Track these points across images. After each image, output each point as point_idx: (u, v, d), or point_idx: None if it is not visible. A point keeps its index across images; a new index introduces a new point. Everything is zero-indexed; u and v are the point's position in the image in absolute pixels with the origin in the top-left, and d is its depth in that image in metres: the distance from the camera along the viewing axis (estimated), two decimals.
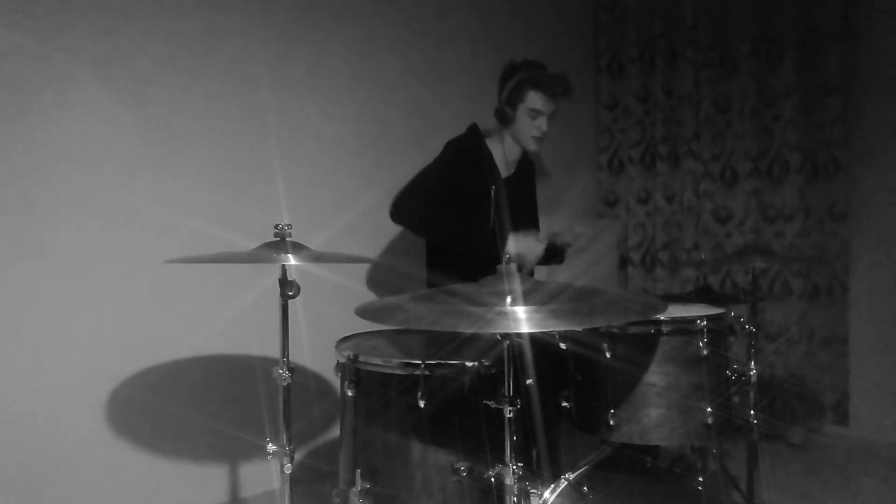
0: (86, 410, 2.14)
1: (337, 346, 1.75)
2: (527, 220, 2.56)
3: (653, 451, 2.52)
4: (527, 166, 2.59)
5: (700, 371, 1.85)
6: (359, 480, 1.60)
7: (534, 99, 2.33)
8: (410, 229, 2.34)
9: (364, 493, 1.59)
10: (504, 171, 2.47)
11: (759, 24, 3.08)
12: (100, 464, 2.16)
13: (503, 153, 2.46)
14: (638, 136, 3.50)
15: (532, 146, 2.41)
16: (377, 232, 2.79)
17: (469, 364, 1.59)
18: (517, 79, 2.34)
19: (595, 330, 1.88)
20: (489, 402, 1.37)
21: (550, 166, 3.44)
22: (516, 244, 2.24)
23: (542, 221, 2.74)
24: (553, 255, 2.47)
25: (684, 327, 1.86)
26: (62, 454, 2.09)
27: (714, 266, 3.22)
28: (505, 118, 2.36)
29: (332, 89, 2.68)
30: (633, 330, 1.87)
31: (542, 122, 2.37)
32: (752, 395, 2.08)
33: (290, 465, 1.64)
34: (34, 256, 2.05)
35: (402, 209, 2.26)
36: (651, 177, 3.49)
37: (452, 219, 2.26)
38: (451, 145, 2.39)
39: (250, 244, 1.66)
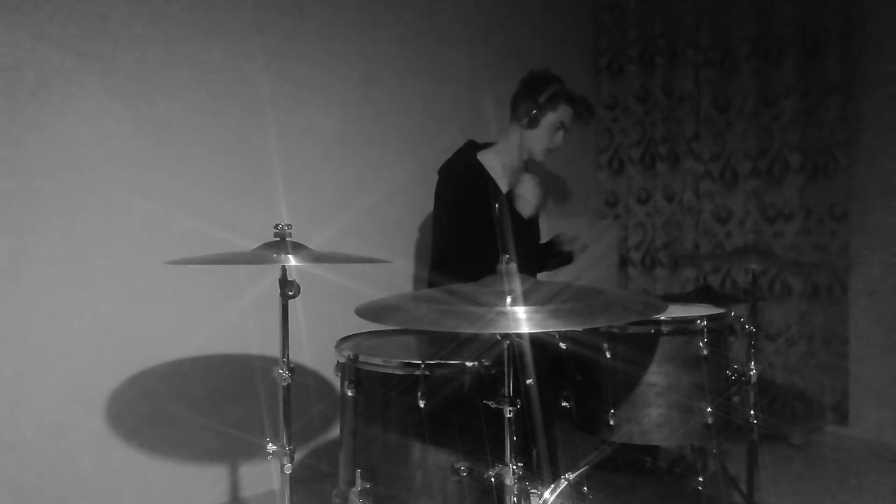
0: (86, 410, 2.14)
1: (337, 346, 1.75)
2: (530, 231, 2.56)
3: (653, 451, 2.52)
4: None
5: (700, 371, 1.85)
6: (359, 480, 1.60)
7: (565, 113, 2.37)
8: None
9: (364, 493, 1.59)
10: (506, 183, 2.45)
11: (759, 24, 3.07)
12: (100, 464, 2.16)
13: (507, 160, 2.44)
14: (638, 136, 3.50)
15: (541, 157, 2.43)
16: (377, 232, 2.79)
17: (469, 364, 1.59)
18: (555, 88, 2.35)
19: (595, 330, 1.88)
20: (489, 402, 1.37)
21: (550, 166, 3.44)
22: (522, 187, 2.31)
23: (543, 222, 2.74)
24: (562, 257, 2.54)
25: (684, 327, 1.86)
26: (62, 454, 2.09)
27: (714, 265, 3.22)
28: (532, 122, 2.35)
29: (333, 89, 2.68)
30: (633, 330, 1.87)
31: (560, 137, 2.41)
32: (752, 395, 2.08)
33: (290, 465, 1.64)
34: (34, 256, 2.05)
35: (448, 273, 2.25)
36: (651, 177, 3.49)
37: (486, 254, 2.27)
38: (448, 174, 2.38)
39: (250, 244, 1.65)
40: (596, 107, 2.43)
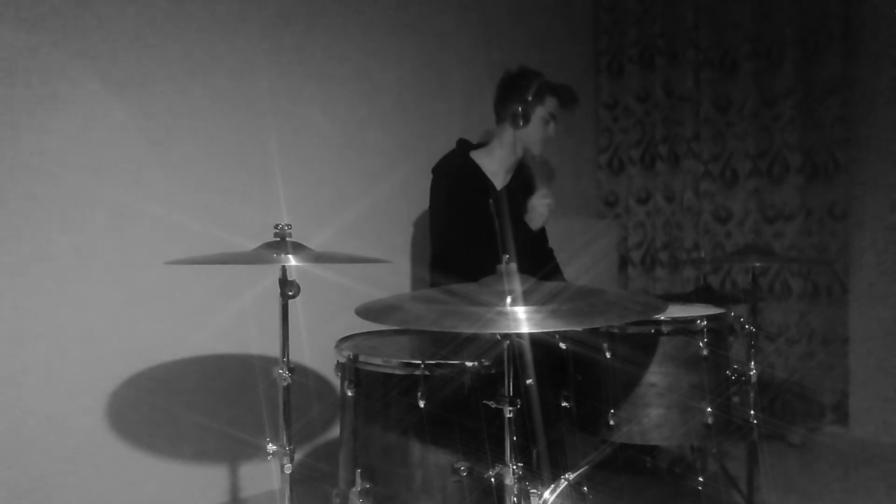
0: (86, 410, 2.14)
1: (337, 346, 1.75)
2: (526, 228, 2.56)
3: (653, 451, 2.52)
4: (525, 171, 2.59)
5: (700, 371, 1.85)
6: (359, 480, 1.60)
7: (552, 104, 2.42)
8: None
9: (364, 493, 1.59)
10: (502, 179, 2.47)
11: (759, 24, 3.08)
12: (100, 464, 2.16)
13: (501, 159, 2.46)
14: (638, 136, 3.50)
15: (539, 150, 2.47)
16: (377, 232, 2.79)
17: (469, 364, 1.59)
18: (539, 83, 2.40)
19: (595, 330, 1.88)
20: (489, 402, 1.37)
21: (551, 166, 3.44)
22: (536, 200, 2.39)
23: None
24: (552, 267, 2.60)
25: (684, 327, 1.86)
26: (62, 454, 2.09)
27: (714, 265, 3.22)
28: (524, 119, 2.40)
29: (333, 89, 2.68)
30: (633, 330, 1.87)
31: (552, 128, 2.46)
32: (752, 395, 2.08)
33: (290, 465, 1.63)
34: (34, 256, 2.05)
35: (446, 272, 2.30)
36: (651, 177, 3.49)
37: (483, 252, 2.28)
38: (441, 173, 2.42)
39: (250, 244, 1.65)
40: (578, 93, 2.49)
